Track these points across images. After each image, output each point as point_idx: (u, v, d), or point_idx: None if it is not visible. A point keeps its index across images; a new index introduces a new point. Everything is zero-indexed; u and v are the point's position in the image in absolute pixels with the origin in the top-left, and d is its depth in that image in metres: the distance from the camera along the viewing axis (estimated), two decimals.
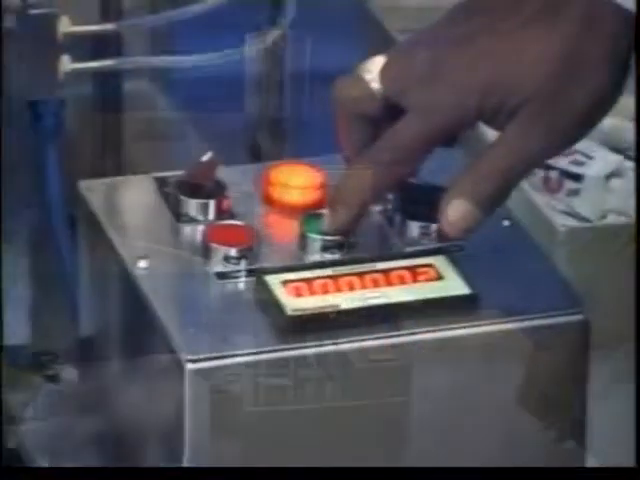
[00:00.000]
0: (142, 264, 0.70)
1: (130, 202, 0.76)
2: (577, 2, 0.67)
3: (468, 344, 0.67)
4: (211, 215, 0.73)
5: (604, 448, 0.87)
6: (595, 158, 1.02)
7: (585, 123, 0.67)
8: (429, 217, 0.70)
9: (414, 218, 0.71)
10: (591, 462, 0.78)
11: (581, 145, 1.00)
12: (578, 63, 0.66)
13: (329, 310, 0.65)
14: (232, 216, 0.73)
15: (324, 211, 0.71)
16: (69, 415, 0.82)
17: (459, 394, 0.69)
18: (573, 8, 0.66)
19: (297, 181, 0.74)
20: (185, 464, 0.66)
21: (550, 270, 0.73)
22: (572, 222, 0.99)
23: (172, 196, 0.74)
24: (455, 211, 0.67)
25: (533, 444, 0.70)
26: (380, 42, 1.15)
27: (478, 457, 0.70)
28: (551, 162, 1.00)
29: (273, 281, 0.67)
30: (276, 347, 0.64)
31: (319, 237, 0.70)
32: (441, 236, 0.69)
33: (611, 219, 1.00)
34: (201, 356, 0.64)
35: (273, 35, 0.89)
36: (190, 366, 0.63)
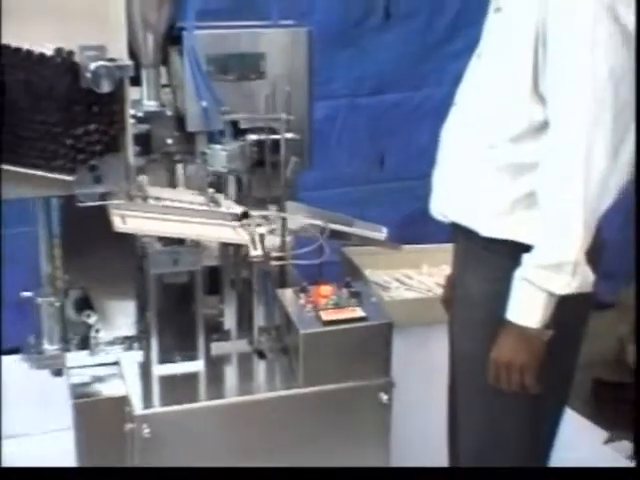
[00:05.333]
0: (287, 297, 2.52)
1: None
2: None
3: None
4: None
5: None
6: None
7: None
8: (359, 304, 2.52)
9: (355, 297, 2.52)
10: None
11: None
12: None
13: (330, 319, 2.41)
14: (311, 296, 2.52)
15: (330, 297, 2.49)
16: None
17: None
18: None
19: (325, 290, 2.48)
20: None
21: (380, 306, 2.54)
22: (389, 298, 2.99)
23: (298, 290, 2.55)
24: None
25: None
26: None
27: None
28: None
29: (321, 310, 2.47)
30: (320, 329, 2.42)
31: (331, 301, 2.47)
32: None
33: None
34: (307, 329, 2.36)
35: None
36: (302, 332, 2.33)
